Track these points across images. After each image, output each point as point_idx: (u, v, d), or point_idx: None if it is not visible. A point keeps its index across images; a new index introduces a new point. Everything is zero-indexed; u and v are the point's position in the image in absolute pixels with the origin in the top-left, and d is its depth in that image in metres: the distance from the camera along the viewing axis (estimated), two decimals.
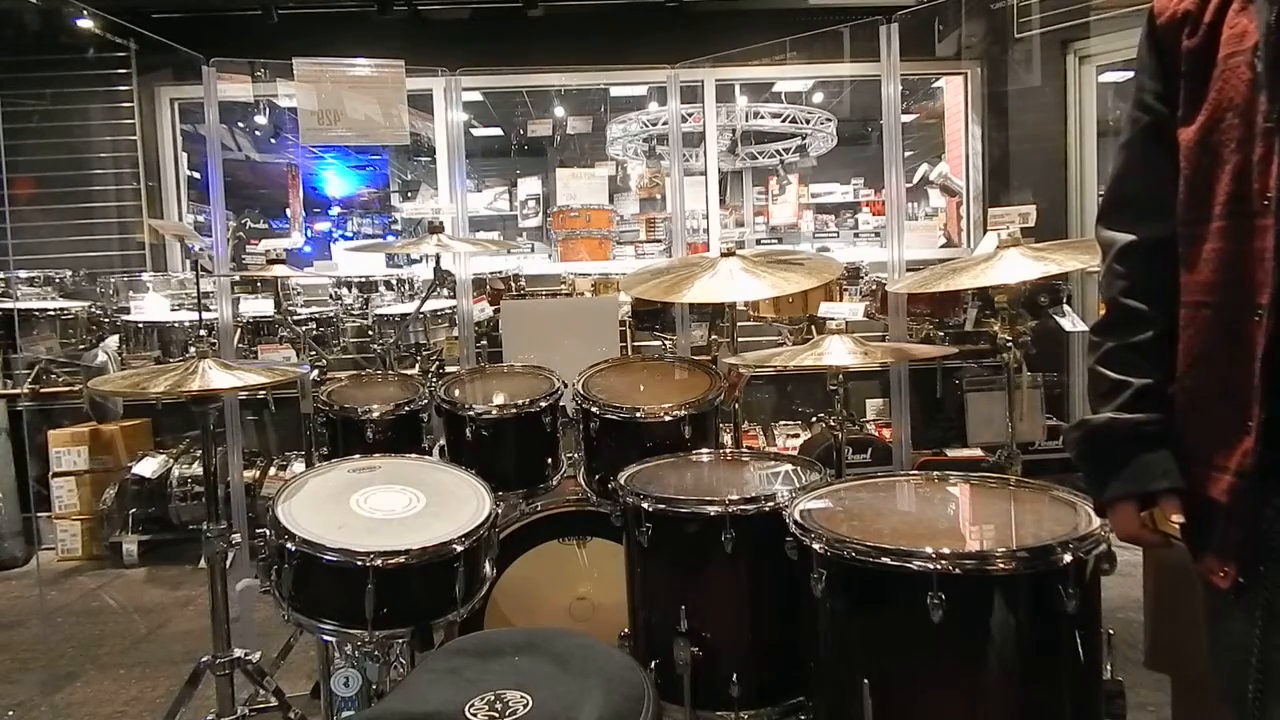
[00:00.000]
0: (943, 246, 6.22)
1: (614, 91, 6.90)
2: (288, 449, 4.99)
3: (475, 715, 1.25)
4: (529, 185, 7.74)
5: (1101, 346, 1.28)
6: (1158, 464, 1.20)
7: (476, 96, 7.30)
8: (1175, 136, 1.20)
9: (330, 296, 5.09)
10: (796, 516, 1.66)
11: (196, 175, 6.13)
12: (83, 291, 5.29)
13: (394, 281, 5.08)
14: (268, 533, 1.99)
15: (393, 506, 2.10)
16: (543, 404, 2.64)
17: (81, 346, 4.91)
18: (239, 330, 4.46)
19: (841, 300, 4.14)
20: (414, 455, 2.53)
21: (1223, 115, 1.13)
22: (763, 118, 6.96)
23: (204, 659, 2.37)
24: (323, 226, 9.14)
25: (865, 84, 6.37)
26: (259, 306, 4.58)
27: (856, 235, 7.28)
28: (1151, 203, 1.24)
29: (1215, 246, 1.14)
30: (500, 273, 4.94)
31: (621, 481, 2.05)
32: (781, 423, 5.30)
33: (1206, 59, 1.16)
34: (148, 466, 4.74)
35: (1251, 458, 1.09)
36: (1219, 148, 1.13)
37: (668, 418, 2.41)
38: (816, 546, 1.55)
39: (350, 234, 9.01)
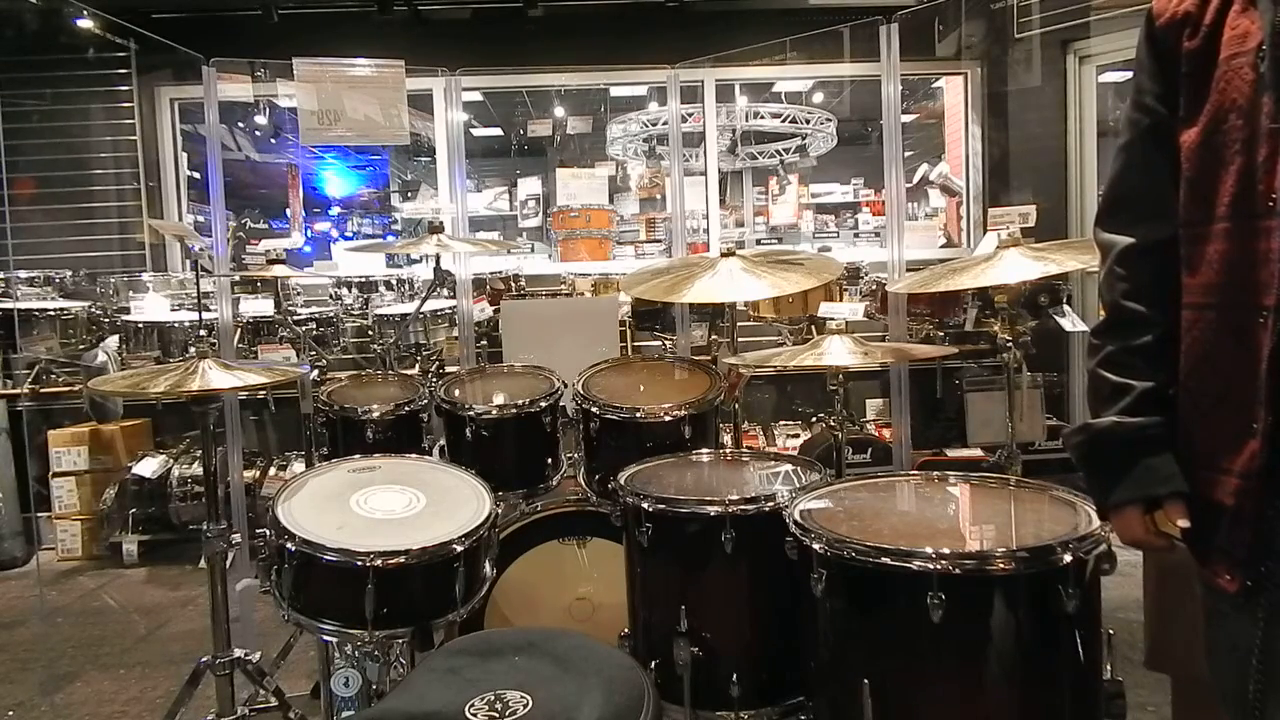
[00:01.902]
0: (943, 246, 6.21)
1: (614, 91, 6.89)
2: (288, 449, 4.99)
3: (475, 715, 1.25)
4: (529, 185, 7.73)
5: (1102, 349, 1.28)
6: (1162, 468, 1.20)
7: (476, 96, 7.30)
8: (1175, 138, 1.20)
9: (330, 296, 5.09)
10: (796, 516, 1.66)
11: (196, 175, 6.13)
12: (83, 291, 5.29)
13: (394, 281, 5.08)
14: (268, 533, 1.99)
15: (393, 506, 2.10)
16: (543, 404, 2.64)
17: (81, 346, 4.91)
18: (239, 330, 4.46)
19: (841, 300, 4.14)
20: (414, 455, 2.53)
21: (1225, 116, 1.13)
22: (763, 118, 6.95)
23: (204, 659, 2.37)
24: (323, 226, 9.13)
25: (865, 84, 6.37)
26: (259, 306, 4.57)
27: (856, 235, 7.27)
28: (1151, 204, 1.24)
29: (1219, 248, 1.14)
30: (500, 273, 4.94)
31: (621, 481, 2.05)
32: (781, 423, 5.30)
33: (1207, 60, 1.15)
34: (148, 466, 4.74)
35: (1258, 460, 1.09)
36: (1222, 149, 1.13)
37: (668, 418, 2.41)
38: (816, 546, 1.55)
39: (350, 234, 9.01)
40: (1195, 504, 1.18)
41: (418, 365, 4.24)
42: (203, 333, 3.77)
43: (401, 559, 1.88)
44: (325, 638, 2.13)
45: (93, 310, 5.07)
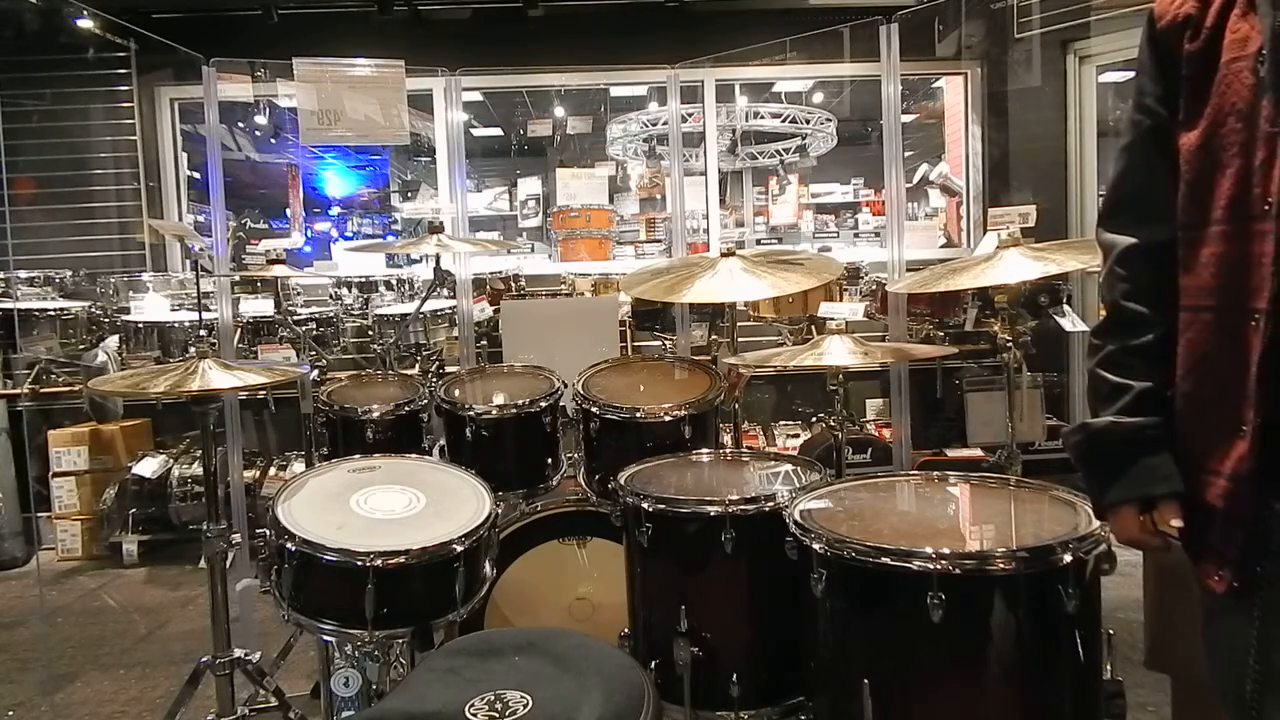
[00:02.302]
0: (943, 246, 6.22)
1: (614, 91, 6.89)
2: (288, 449, 4.99)
3: (475, 715, 1.25)
4: (529, 185, 7.73)
5: (1102, 349, 1.28)
6: (1159, 468, 1.20)
7: (476, 96, 7.30)
8: (1176, 140, 1.20)
9: (330, 296, 5.09)
10: (796, 516, 1.66)
11: (196, 175, 6.13)
12: (83, 291, 5.29)
13: (394, 281, 5.08)
14: (268, 533, 1.99)
15: (393, 506, 2.10)
16: (543, 404, 2.64)
17: (81, 346, 4.91)
18: (239, 330, 4.46)
19: (841, 300, 4.14)
20: (414, 455, 2.53)
21: (1224, 120, 1.13)
22: (763, 118, 6.96)
23: (204, 659, 2.37)
24: (323, 226, 9.13)
25: (865, 84, 6.37)
26: (259, 306, 4.58)
27: (856, 235, 7.28)
28: (1152, 206, 1.24)
29: (1215, 250, 1.14)
30: (500, 273, 4.94)
31: (621, 481, 2.05)
32: (781, 423, 5.30)
33: (1208, 63, 1.16)
34: (148, 466, 4.74)
35: (1246, 462, 1.09)
36: (1220, 152, 1.13)
37: (668, 418, 2.41)
38: (816, 546, 1.55)
39: (350, 234, 9.01)
40: (1191, 505, 1.18)
41: (418, 365, 4.24)
42: (203, 333, 3.77)
43: (401, 559, 1.88)
44: (325, 638, 2.13)
45: (93, 310, 5.07)
